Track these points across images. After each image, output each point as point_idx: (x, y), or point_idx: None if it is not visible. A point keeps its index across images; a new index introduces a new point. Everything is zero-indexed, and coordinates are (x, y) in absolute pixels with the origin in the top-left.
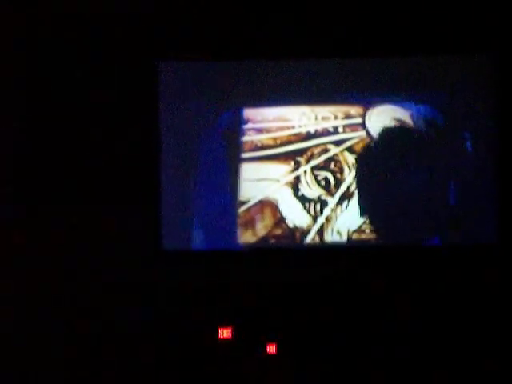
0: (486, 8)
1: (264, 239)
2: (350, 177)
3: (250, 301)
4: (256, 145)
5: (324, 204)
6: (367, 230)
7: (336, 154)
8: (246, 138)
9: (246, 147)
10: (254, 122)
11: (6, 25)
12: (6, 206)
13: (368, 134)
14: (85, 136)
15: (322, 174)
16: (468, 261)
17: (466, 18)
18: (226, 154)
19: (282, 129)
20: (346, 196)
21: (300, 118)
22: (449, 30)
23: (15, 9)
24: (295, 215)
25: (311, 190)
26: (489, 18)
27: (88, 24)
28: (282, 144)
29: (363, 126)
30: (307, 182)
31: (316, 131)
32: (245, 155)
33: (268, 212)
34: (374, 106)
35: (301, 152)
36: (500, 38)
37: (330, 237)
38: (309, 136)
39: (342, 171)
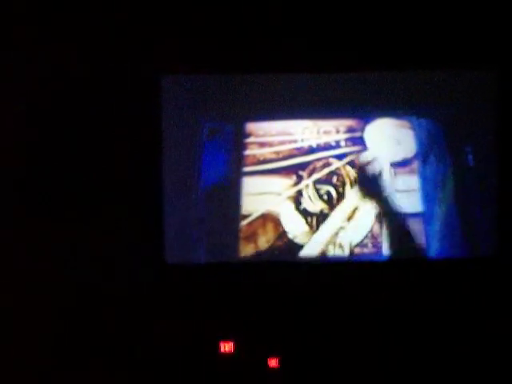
0: (488, 24)
1: (266, 253)
2: (351, 191)
3: (252, 314)
4: (258, 159)
5: (326, 218)
6: (369, 244)
7: (338, 168)
8: (248, 152)
9: (248, 161)
10: (256, 136)
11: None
12: (6, 219)
13: (367, 147)
14: (87, 149)
15: (324, 187)
16: (468, 274)
17: (467, 34)
18: (228, 167)
19: (284, 143)
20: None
21: (302, 131)
22: (450, 46)
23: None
24: (297, 229)
25: (313, 203)
26: (490, 34)
27: (90, 38)
28: (284, 158)
29: (362, 139)
30: (309, 196)
31: (318, 145)
32: (247, 169)
33: (270, 226)
34: (374, 120)
35: (303, 166)
36: (500, 54)
37: (332, 251)
38: (311, 150)
39: (343, 185)
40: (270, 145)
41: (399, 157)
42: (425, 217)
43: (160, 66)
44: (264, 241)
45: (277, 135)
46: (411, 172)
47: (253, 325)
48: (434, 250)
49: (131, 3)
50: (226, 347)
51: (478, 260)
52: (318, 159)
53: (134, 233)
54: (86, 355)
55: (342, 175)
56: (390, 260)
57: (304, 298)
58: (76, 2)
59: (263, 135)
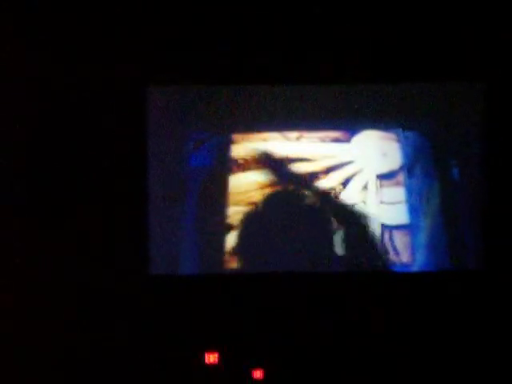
0: (475, 38)
1: (252, 264)
2: (338, 201)
3: (236, 326)
4: (244, 170)
5: None
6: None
7: (324, 179)
8: (234, 163)
9: (234, 172)
10: None
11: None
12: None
13: (353, 159)
14: (71, 160)
15: (310, 199)
16: (454, 287)
17: (454, 47)
18: (214, 178)
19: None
20: None
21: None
22: (437, 59)
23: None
24: None
25: None
26: (477, 48)
27: (76, 49)
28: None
29: (350, 151)
30: None
31: (304, 157)
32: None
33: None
34: (360, 132)
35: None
36: (487, 68)
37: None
38: (297, 161)
39: (329, 196)
40: None
41: (385, 169)
42: (411, 229)
43: (146, 77)
44: (250, 251)
45: None
46: (397, 184)
47: (238, 336)
48: (419, 262)
49: (118, 14)
50: (211, 358)
51: (463, 273)
52: (305, 171)
53: (120, 244)
54: (71, 366)
55: (327, 186)
56: (376, 272)
57: (290, 309)
58: (62, 13)
59: None
